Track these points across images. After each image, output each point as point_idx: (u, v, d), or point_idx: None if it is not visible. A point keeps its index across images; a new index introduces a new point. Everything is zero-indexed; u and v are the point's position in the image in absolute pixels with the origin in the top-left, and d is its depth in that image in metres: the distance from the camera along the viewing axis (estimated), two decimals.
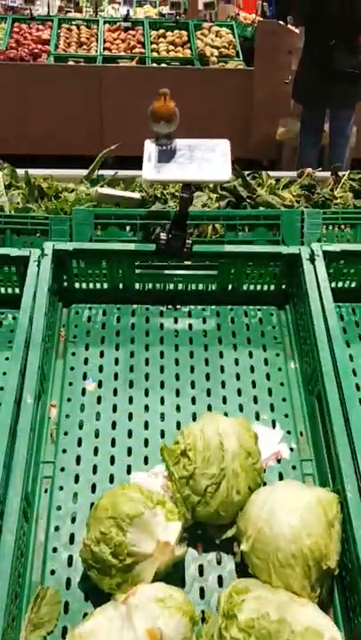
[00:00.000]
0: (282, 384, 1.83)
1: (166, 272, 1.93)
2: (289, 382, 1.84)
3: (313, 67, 4.88)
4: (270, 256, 1.91)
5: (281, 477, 1.64)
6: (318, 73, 4.84)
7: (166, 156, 1.83)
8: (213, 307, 2.00)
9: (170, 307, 1.98)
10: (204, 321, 1.96)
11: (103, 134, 6.23)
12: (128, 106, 6.13)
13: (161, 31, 6.81)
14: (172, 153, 1.84)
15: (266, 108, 6.20)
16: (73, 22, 6.77)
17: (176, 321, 1.96)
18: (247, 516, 1.43)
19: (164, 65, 6.46)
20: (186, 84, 6.18)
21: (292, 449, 1.70)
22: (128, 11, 6.79)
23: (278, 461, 1.68)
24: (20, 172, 3.38)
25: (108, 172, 3.38)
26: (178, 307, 1.98)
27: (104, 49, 6.53)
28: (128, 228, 2.11)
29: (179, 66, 6.41)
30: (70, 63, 6.31)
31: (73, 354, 1.86)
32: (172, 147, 1.85)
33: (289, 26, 5.88)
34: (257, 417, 1.76)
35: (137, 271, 1.93)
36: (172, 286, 1.98)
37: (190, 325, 1.95)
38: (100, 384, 1.80)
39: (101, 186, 3.01)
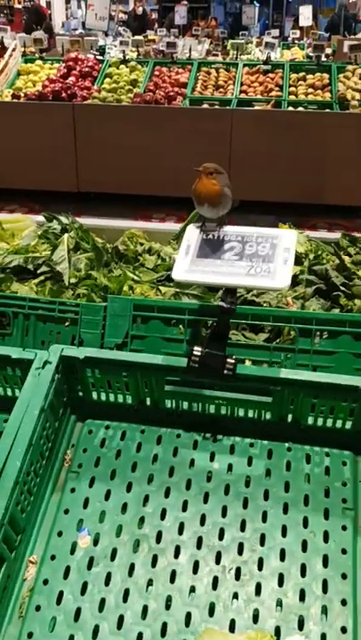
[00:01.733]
0: (344, 576, 1.23)
1: (206, 392, 1.40)
2: (355, 574, 1.23)
3: None
4: (342, 389, 1.32)
5: None
6: None
7: (210, 247, 1.31)
8: (266, 442, 1.43)
9: (208, 435, 1.44)
10: (250, 462, 1.40)
11: (230, 178, 5.78)
12: (258, 149, 5.67)
13: (301, 74, 6.26)
14: (218, 244, 1.32)
15: None
16: (212, 66, 6.42)
17: (213, 457, 1.42)
18: None
19: (301, 109, 5.91)
20: (321, 129, 5.61)
21: None
22: (269, 54, 6.31)
23: None
24: (109, 223, 3.03)
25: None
26: (218, 437, 1.44)
27: (240, 92, 6.11)
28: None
29: (314, 110, 5.82)
30: (205, 106, 5.94)
31: (72, 490, 1.38)
32: (219, 236, 1.33)
33: None
34: (300, 625, 1.18)
35: (167, 387, 1.42)
36: (213, 409, 1.44)
37: (230, 466, 1.40)
38: (96, 539, 1.31)
39: None
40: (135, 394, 1.45)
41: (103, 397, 1.48)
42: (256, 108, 5.89)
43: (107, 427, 1.47)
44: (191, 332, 1.58)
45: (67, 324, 1.64)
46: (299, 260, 2.40)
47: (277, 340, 1.77)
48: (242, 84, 6.19)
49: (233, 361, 1.31)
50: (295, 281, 2.22)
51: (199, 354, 1.31)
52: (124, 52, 6.30)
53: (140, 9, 11.88)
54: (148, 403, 1.46)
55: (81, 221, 3.09)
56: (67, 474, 1.41)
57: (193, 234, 1.35)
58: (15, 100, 5.78)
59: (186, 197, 1.42)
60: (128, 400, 1.47)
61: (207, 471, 1.39)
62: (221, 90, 6.20)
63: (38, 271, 2.19)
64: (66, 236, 2.24)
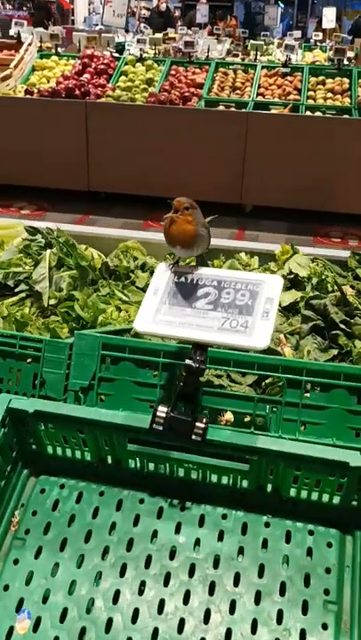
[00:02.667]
0: None
1: (174, 455, 1.20)
2: None
3: None
4: (329, 463, 1.11)
5: None
6: None
7: (182, 293, 1.10)
8: (241, 513, 1.22)
9: (175, 502, 1.24)
10: (221, 536, 1.19)
11: (243, 183, 5.56)
12: (273, 154, 5.42)
13: (321, 78, 5.99)
14: (191, 289, 1.11)
15: None
16: (230, 67, 6.17)
17: (179, 529, 1.21)
18: None
19: (318, 114, 5.65)
20: (339, 135, 5.35)
21: None
22: (288, 56, 6.05)
23: None
24: (106, 233, 2.83)
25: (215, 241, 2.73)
26: (187, 504, 1.23)
27: (257, 94, 5.85)
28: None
29: (333, 115, 5.56)
30: (220, 108, 5.70)
31: (16, 561, 1.18)
32: (193, 279, 1.12)
33: None
34: None
35: (130, 447, 1.21)
36: (182, 472, 1.24)
37: (198, 541, 1.19)
38: (37, 624, 1.11)
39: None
40: (95, 451, 1.25)
41: (59, 452, 1.28)
42: (273, 111, 5.64)
43: (62, 485, 1.27)
44: (167, 376, 1.38)
45: (29, 360, 1.44)
46: (301, 284, 2.19)
47: (266, 382, 1.55)
48: (260, 87, 5.95)
49: (203, 425, 1.10)
50: (295, 308, 2.01)
51: (164, 415, 1.10)
52: (141, 49, 6.08)
53: (164, 5, 11.59)
54: (110, 461, 1.26)
55: (77, 229, 2.90)
56: (12, 540, 1.21)
57: (163, 275, 1.14)
58: (28, 97, 5.59)
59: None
60: (87, 457, 1.27)
61: (171, 546, 1.18)
62: (238, 92, 5.96)
63: (16, 289, 2.00)
64: (48, 252, 2.04)
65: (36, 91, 5.61)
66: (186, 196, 1.20)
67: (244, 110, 5.56)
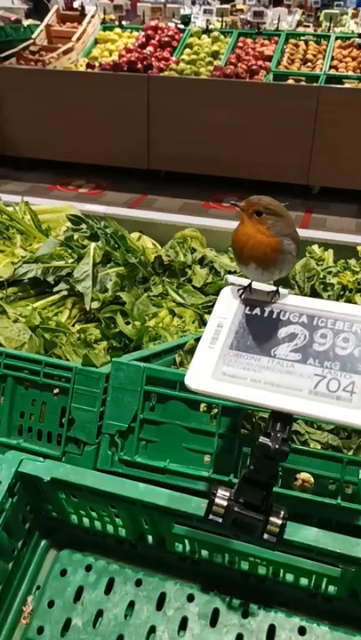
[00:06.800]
0: None
1: (235, 546, 0.85)
2: None
3: None
4: None
5: None
6: None
7: (255, 332, 0.74)
8: (325, 627, 0.86)
9: (236, 603, 0.89)
10: None
11: (312, 162, 5.08)
12: (345, 131, 4.91)
13: None
14: (269, 327, 0.74)
15: None
16: (301, 38, 5.62)
17: None
18: None
19: None
20: None
21: None
22: None
23: None
24: (162, 218, 2.48)
25: None
26: (251, 607, 0.89)
27: (330, 67, 5.31)
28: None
29: None
30: (290, 82, 5.20)
31: None
32: (272, 312, 0.75)
33: None
34: None
35: (176, 529, 0.87)
36: (245, 565, 0.89)
37: None
38: None
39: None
40: (131, 528, 0.92)
41: (86, 523, 0.95)
42: (346, 85, 5.10)
43: (88, 567, 0.95)
44: (229, 423, 1.02)
45: (56, 391, 1.12)
46: None
47: None
48: (333, 59, 5.39)
49: (280, 522, 0.75)
50: None
51: (225, 504, 0.75)
52: (207, 21, 5.61)
53: None
54: (151, 540, 0.93)
55: (130, 213, 2.55)
56: (22, 638, 0.90)
57: (229, 305, 0.77)
58: (89, 70, 5.25)
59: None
60: (121, 532, 0.93)
61: None
62: (309, 64, 5.43)
63: (55, 288, 1.68)
64: (92, 245, 1.70)
65: (97, 64, 5.26)
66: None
67: (315, 84, 5.04)
